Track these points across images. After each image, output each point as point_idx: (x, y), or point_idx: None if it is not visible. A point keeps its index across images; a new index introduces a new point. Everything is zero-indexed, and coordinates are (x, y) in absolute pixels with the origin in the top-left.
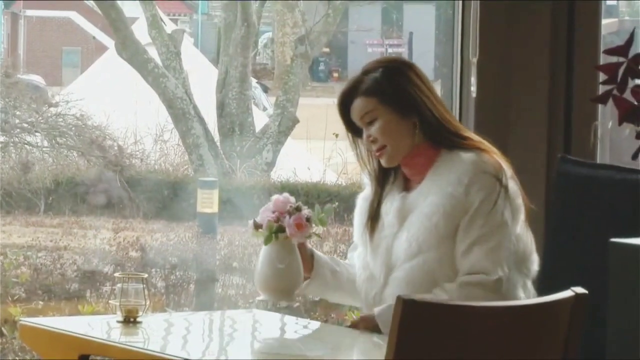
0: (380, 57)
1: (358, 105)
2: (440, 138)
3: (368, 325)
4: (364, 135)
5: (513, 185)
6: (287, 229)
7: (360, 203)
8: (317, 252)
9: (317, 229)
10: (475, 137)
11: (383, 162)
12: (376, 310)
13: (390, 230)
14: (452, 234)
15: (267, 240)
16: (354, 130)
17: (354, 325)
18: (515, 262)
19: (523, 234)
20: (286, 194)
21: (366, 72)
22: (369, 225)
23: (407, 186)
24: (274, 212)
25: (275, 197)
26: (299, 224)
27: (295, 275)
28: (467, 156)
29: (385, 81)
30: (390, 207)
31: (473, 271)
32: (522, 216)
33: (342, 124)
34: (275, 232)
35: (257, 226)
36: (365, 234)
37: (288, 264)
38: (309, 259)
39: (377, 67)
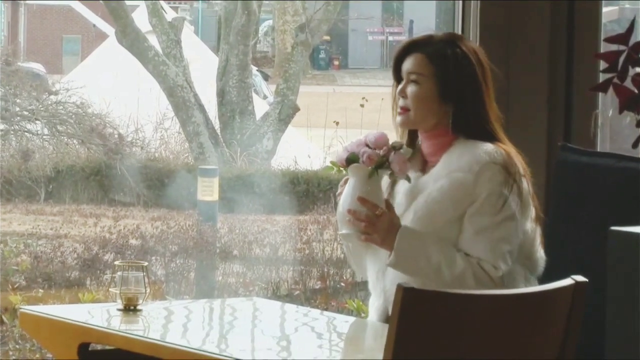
0: (461, 35)
1: (413, 61)
2: (466, 130)
3: (386, 227)
4: (401, 85)
5: (525, 184)
6: (394, 165)
7: None
8: None
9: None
10: (502, 137)
11: (399, 119)
12: (403, 229)
13: (399, 209)
14: (456, 220)
15: (370, 174)
16: (400, 78)
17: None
18: (520, 256)
19: (531, 231)
20: (382, 131)
21: (444, 40)
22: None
23: (423, 167)
24: (374, 148)
25: (371, 133)
26: (404, 161)
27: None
28: (482, 145)
29: (449, 59)
30: (402, 186)
31: (481, 257)
32: (531, 214)
33: (393, 68)
34: (377, 167)
35: (351, 160)
36: None
37: (378, 200)
38: None
39: (456, 43)
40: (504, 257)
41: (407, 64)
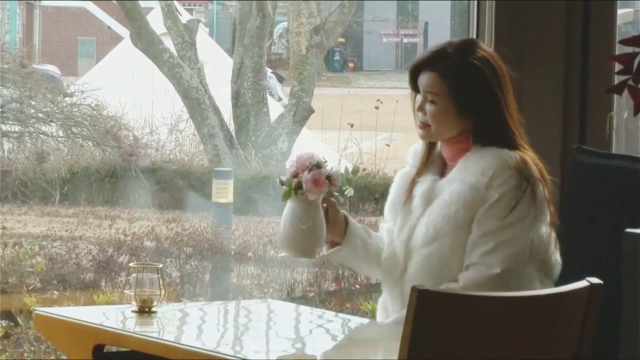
0: (468, 39)
1: (427, 80)
2: (487, 138)
3: None
4: (419, 102)
5: (541, 189)
6: (304, 185)
7: (397, 179)
8: (352, 220)
9: (348, 190)
10: (521, 143)
11: (420, 133)
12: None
13: (415, 212)
14: (468, 224)
15: (285, 196)
16: (417, 88)
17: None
18: (535, 260)
19: (546, 236)
20: (311, 151)
21: (456, 52)
22: (403, 200)
23: (442, 171)
24: (296, 168)
25: (299, 153)
26: (316, 181)
27: (317, 234)
28: (497, 151)
29: (462, 75)
30: (419, 189)
31: (475, 262)
32: (547, 219)
33: (409, 80)
34: (295, 188)
35: (282, 183)
36: (395, 210)
37: (310, 223)
38: (342, 225)
39: (467, 55)
40: (506, 259)
41: (422, 81)
